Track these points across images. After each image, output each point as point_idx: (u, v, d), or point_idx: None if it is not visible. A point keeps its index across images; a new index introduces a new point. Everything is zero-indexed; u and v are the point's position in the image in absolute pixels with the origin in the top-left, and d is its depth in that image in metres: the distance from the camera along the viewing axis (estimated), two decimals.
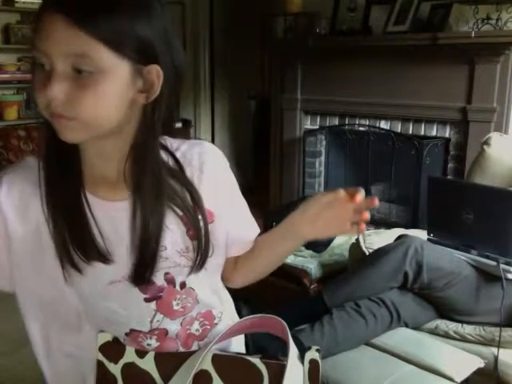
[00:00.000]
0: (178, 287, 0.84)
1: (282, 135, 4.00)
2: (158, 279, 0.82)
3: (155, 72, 0.74)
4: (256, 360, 0.80)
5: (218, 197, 0.86)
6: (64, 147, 0.76)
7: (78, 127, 0.72)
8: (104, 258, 0.78)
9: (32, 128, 3.98)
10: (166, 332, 0.85)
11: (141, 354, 0.82)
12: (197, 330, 0.88)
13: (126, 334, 0.84)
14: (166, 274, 0.82)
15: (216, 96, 4.99)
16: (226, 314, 0.93)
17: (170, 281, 0.83)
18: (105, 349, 0.83)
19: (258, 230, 0.97)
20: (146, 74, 0.74)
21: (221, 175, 0.88)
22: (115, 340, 0.83)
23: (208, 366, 0.80)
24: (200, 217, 0.83)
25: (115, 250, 0.79)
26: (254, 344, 1.10)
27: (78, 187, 0.79)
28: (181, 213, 0.81)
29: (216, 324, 0.90)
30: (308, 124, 3.88)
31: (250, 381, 0.80)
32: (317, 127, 3.83)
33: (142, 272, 0.79)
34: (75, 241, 0.77)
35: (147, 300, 0.82)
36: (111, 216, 0.80)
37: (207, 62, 4.91)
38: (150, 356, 0.82)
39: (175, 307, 0.84)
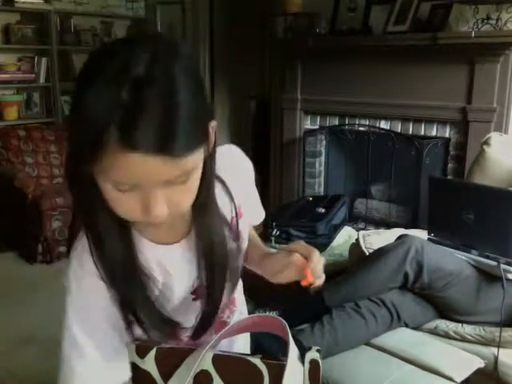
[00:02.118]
0: None
1: (281, 135, 3.99)
2: None
3: (212, 128, 0.74)
4: (256, 360, 0.80)
5: (242, 193, 0.92)
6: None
7: (173, 217, 0.72)
8: (169, 324, 0.84)
9: (32, 128, 3.99)
10: None
11: (141, 353, 0.82)
12: (228, 316, 0.96)
13: None
14: None
15: (216, 96, 4.99)
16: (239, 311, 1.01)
17: None
18: None
19: (263, 215, 1.06)
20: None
21: (237, 173, 0.93)
22: None
23: (208, 365, 0.81)
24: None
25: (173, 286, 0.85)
26: (255, 344, 1.10)
27: (128, 234, 0.79)
28: (229, 220, 0.87)
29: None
30: (308, 124, 3.88)
31: (251, 381, 0.80)
32: (317, 127, 3.83)
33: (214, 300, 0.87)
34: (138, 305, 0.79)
35: (194, 299, 0.89)
36: (161, 258, 0.83)
37: (207, 61, 4.90)
38: (151, 356, 0.82)
39: None
